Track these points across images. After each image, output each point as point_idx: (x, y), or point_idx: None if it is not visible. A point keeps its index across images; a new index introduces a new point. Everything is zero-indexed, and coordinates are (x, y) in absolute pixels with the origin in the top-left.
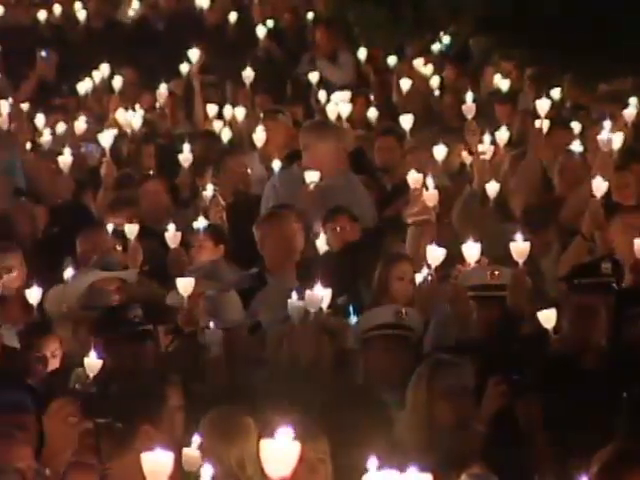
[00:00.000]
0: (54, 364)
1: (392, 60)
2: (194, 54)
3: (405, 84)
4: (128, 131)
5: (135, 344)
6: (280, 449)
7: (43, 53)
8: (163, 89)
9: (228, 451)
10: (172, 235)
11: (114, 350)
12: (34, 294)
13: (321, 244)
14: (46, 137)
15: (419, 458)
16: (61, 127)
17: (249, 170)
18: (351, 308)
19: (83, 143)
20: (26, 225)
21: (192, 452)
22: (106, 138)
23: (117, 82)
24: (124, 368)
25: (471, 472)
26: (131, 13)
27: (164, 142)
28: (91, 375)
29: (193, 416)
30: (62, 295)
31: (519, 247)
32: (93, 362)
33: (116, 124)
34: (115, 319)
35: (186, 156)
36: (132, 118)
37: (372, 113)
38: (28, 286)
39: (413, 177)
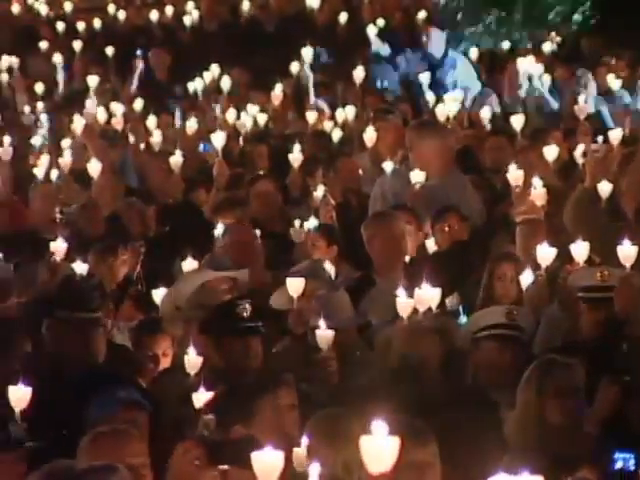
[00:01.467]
0: (165, 363)
1: (503, 60)
2: (307, 53)
3: (516, 84)
4: (240, 131)
5: (244, 340)
6: (380, 445)
7: (139, 51)
8: (278, 90)
9: (334, 454)
10: (297, 231)
11: (223, 348)
12: (159, 293)
13: (430, 244)
14: (157, 137)
15: (529, 459)
16: (173, 127)
17: (359, 170)
18: (461, 308)
19: (200, 143)
20: (137, 224)
21: (302, 452)
22: (218, 138)
23: (226, 83)
24: (234, 367)
25: (580, 476)
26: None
27: (276, 142)
28: (192, 373)
29: (302, 416)
30: (174, 295)
31: (626, 251)
32: (193, 360)
33: (226, 124)
34: (224, 315)
35: (296, 156)
36: (244, 118)
37: (484, 113)
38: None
39: (514, 175)
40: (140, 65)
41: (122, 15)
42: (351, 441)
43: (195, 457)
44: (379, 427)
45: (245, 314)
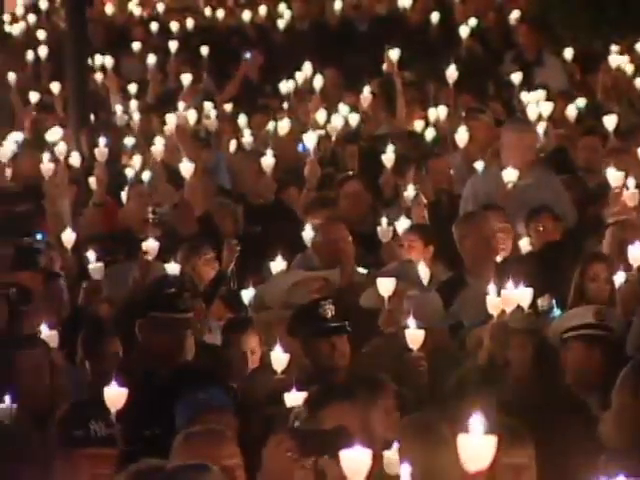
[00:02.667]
0: (254, 362)
1: (597, 60)
2: (394, 54)
3: (609, 84)
4: (330, 132)
5: (329, 340)
6: (478, 443)
7: (247, 54)
8: (366, 91)
9: (426, 457)
10: (384, 230)
11: (309, 348)
12: (248, 293)
13: (524, 244)
14: (248, 137)
15: (626, 461)
16: (264, 127)
17: (451, 170)
18: (553, 309)
19: (299, 143)
20: (228, 224)
21: (394, 455)
22: (310, 138)
23: (318, 82)
24: (320, 367)
25: None
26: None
27: (366, 143)
28: (279, 370)
29: None
30: (265, 295)
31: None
32: (280, 356)
33: (317, 125)
34: (308, 316)
35: (389, 156)
36: (335, 119)
37: (574, 112)
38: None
39: (614, 176)
40: (245, 66)
41: (215, 15)
42: (441, 447)
43: (288, 449)
44: (477, 425)
45: (329, 314)
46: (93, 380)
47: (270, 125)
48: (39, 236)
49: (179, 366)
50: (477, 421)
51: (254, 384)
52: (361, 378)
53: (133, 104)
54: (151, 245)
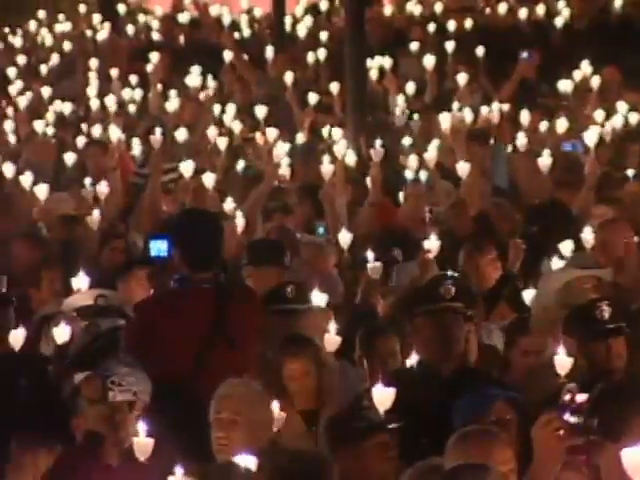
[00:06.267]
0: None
1: None
2: None
3: None
4: (608, 131)
5: (605, 342)
6: None
7: (525, 54)
8: None
9: None
10: None
11: (585, 350)
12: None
13: None
14: (522, 138)
15: None
16: (543, 126)
17: None
18: None
19: (565, 142)
20: (504, 224)
21: None
22: (591, 137)
23: (596, 81)
24: (596, 368)
25: None
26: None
27: None
28: (562, 374)
29: None
30: (541, 294)
31: None
32: (563, 361)
33: (596, 123)
34: (584, 317)
35: None
36: (614, 118)
37: None
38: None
39: None
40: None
41: (493, 15)
42: None
43: (557, 428)
44: None
45: (605, 315)
46: (370, 379)
47: (545, 124)
48: (321, 230)
49: (459, 366)
50: None
51: (532, 385)
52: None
53: (411, 104)
54: (433, 244)
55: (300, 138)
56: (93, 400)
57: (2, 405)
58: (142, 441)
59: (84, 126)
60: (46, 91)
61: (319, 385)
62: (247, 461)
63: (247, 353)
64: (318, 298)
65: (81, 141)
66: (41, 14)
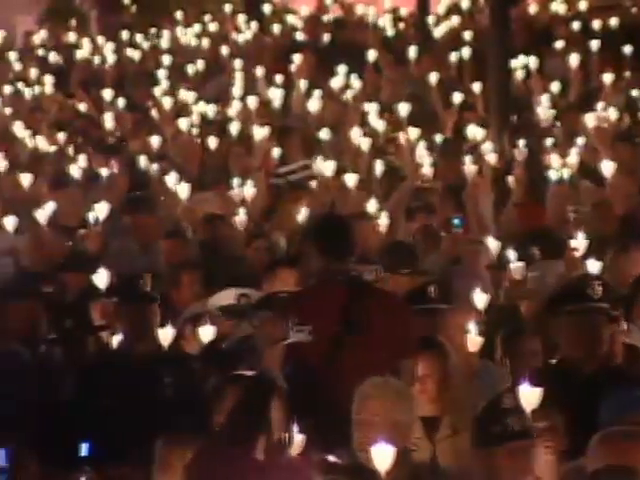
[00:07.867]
0: None
1: None
2: None
3: None
4: None
5: None
6: None
7: None
8: None
9: None
10: None
11: None
12: None
13: None
14: None
15: None
16: None
17: None
18: None
19: None
20: None
21: None
22: None
23: None
24: None
25: None
26: None
27: None
28: None
29: None
30: None
31: None
32: None
33: None
34: None
35: None
36: None
37: None
38: None
39: None
40: None
41: (639, 13)
42: None
43: None
44: None
45: None
46: (513, 378)
47: None
48: (456, 221)
49: (601, 365)
50: None
51: None
52: None
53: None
54: (580, 243)
55: (441, 138)
56: None
57: (147, 402)
58: (297, 437)
59: (229, 126)
60: (190, 93)
61: (441, 391)
62: (386, 450)
63: (386, 353)
64: (479, 298)
65: (225, 141)
66: (185, 15)
